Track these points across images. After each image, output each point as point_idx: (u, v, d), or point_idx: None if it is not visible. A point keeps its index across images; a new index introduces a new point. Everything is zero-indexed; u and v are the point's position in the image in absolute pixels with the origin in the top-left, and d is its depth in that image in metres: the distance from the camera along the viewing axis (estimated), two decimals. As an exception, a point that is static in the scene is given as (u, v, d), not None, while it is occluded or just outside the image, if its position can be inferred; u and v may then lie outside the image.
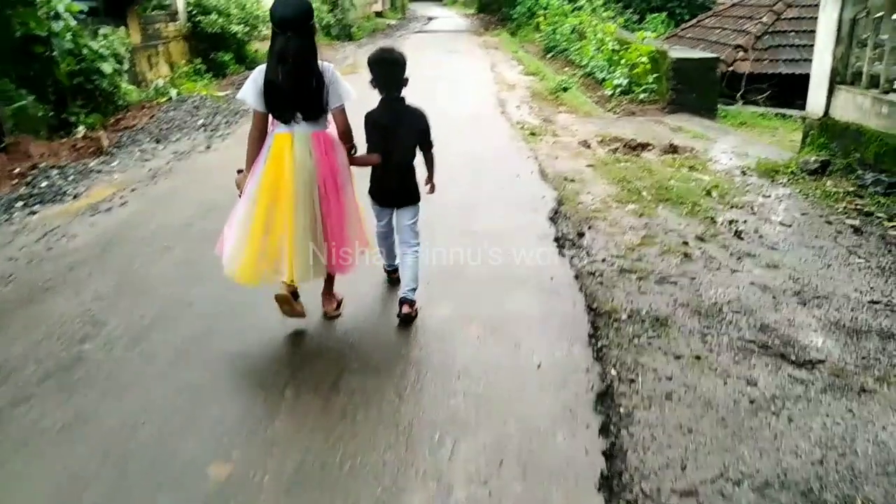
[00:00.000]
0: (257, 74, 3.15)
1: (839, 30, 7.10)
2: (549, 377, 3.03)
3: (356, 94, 3.31)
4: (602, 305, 3.80)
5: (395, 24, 30.77)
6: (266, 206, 3.19)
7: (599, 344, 3.36)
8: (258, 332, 3.51)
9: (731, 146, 8.46)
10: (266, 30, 15.41)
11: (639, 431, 2.71)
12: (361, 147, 3.55)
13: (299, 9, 3.07)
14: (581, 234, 5.05)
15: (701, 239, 5.01)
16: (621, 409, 2.84)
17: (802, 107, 12.68)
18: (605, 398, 2.90)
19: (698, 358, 3.28)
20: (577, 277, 4.16)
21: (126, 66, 9.93)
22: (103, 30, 9.48)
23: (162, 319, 3.58)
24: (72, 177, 6.64)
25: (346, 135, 3.35)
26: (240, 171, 3.43)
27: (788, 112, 11.58)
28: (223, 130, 8.86)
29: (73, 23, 8.24)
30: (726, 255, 4.72)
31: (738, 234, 5.14)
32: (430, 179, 3.84)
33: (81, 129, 8.52)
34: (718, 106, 11.10)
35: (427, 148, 3.71)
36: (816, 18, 13.32)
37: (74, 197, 6.06)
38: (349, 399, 2.88)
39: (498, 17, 29.99)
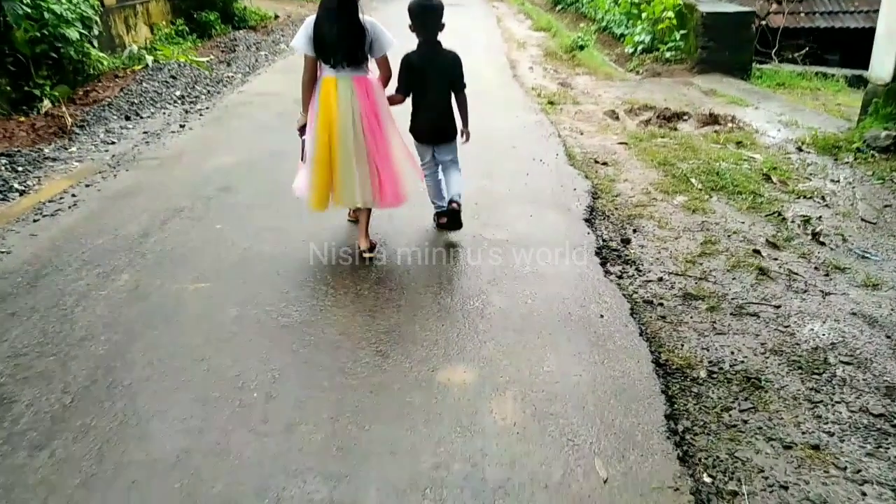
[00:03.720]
0: (308, 24, 3.53)
1: (916, -21, 6.00)
2: (623, 500, 2.13)
3: (396, 42, 3.65)
4: (672, 357, 2.90)
5: (393, -23, 29.19)
6: (325, 142, 3.61)
7: (680, 428, 2.46)
8: (211, 410, 2.61)
9: (775, 114, 7.44)
10: (255, -15, 14.23)
11: None
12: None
13: None
14: (626, 241, 4.13)
15: (774, 245, 4.09)
16: (731, 554, 1.97)
17: (840, 63, 11.65)
18: (706, 536, 2.02)
19: (816, 448, 2.39)
20: (632, 312, 3.24)
21: (96, 31, 8.87)
22: (67, -10, 8.39)
23: (88, 394, 2.66)
24: (22, 167, 5.68)
25: (388, 79, 3.77)
26: (301, 127, 3.78)
27: (829, 71, 10.46)
28: (202, 104, 7.86)
29: (27, -18, 7.19)
30: (810, 268, 3.80)
31: (816, 237, 4.21)
32: (464, 126, 4.07)
33: (46, 104, 7.55)
34: (752, 65, 9.99)
35: (459, 89, 3.96)
36: (858, -36, 12.19)
37: (21, 193, 5.12)
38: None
39: (501, -33, 28.38)
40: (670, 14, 10.30)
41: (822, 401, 2.65)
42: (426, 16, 3.76)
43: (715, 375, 2.80)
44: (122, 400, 2.61)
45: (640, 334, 3.04)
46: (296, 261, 3.83)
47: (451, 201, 3.97)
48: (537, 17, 15.69)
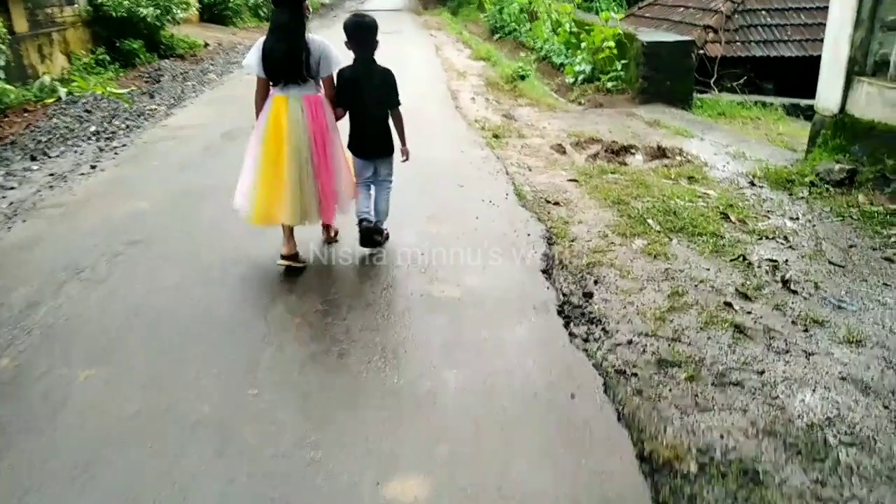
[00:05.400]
0: (259, 43, 3.65)
1: (859, 11, 5.93)
2: None
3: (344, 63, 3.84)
4: (657, 447, 2.49)
5: (329, 3, 28.85)
6: (272, 160, 3.69)
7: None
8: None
9: (722, 145, 7.30)
10: (181, 13, 13.61)
11: None
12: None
13: None
14: (588, 295, 3.75)
15: (744, 295, 3.78)
16: None
17: (775, 92, 11.80)
18: None
19: (838, 566, 2.02)
20: (606, 388, 2.84)
21: (2, 61, 8.15)
22: (-34, 17, 7.67)
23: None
24: None
25: (331, 99, 3.88)
26: None
27: (767, 99, 10.53)
28: (119, 140, 7.20)
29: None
30: (787, 322, 3.49)
31: (786, 285, 3.93)
32: (403, 145, 4.19)
33: (-58, 142, 6.80)
34: (693, 94, 9.94)
35: (394, 105, 4.06)
36: (787, -5, 12.45)
37: None
38: None
39: (437, -6, 28.45)
40: (610, 44, 10.21)
41: (831, 498, 2.29)
42: (360, 33, 3.87)
43: (707, 469, 2.40)
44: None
45: (619, 419, 2.63)
46: (214, 330, 3.30)
47: (376, 221, 4.09)
48: (476, 46, 15.51)
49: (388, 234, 4.33)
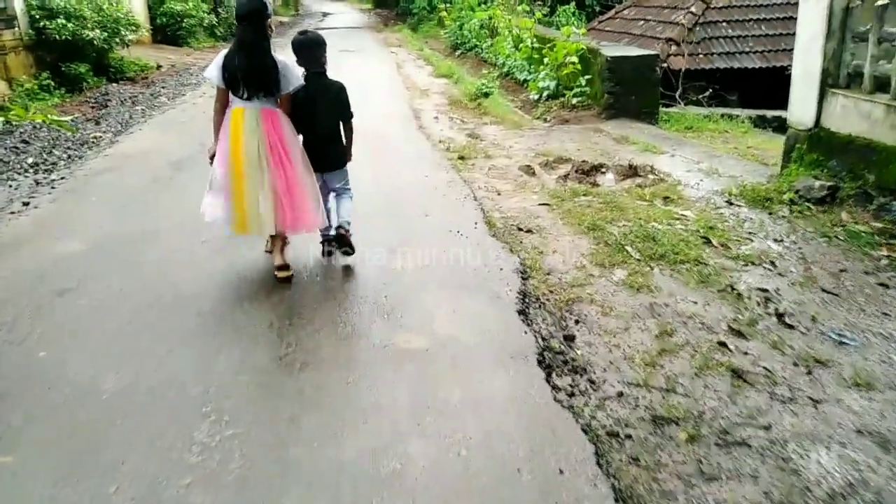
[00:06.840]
0: (222, 55, 3.77)
1: (830, 22, 5.75)
2: None
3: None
4: (663, 534, 2.14)
5: (288, 22, 28.41)
6: (237, 171, 3.76)
7: None
8: None
9: (693, 161, 7.06)
10: (130, 35, 13.06)
11: None
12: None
13: (254, 5, 3.72)
14: (570, 339, 3.40)
15: (738, 333, 3.47)
16: None
17: (740, 103, 11.73)
18: None
19: None
20: (598, 457, 2.48)
21: (-70, 90, 7.57)
22: None
23: None
24: None
25: (289, 115, 3.92)
26: (213, 155, 3.94)
27: (733, 112, 10.42)
28: (59, 172, 6.70)
29: None
30: (788, 364, 3.19)
31: (781, 319, 3.63)
32: (347, 149, 4.28)
33: None
34: (659, 108, 9.75)
35: (347, 118, 4.18)
36: (748, 6, 12.43)
37: None
38: None
39: (396, 11, 28.26)
40: (574, 59, 9.97)
41: (870, 591, 1.96)
42: (307, 49, 4.01)
43: (724, 561, 2.06)
44: None
45: (616, 499, 2.27)
46: (146, 399, 2.86)
47: (338, 227, 4.14)
48: (437, 62, 15.23)
49: (350, 235, 4.19)
